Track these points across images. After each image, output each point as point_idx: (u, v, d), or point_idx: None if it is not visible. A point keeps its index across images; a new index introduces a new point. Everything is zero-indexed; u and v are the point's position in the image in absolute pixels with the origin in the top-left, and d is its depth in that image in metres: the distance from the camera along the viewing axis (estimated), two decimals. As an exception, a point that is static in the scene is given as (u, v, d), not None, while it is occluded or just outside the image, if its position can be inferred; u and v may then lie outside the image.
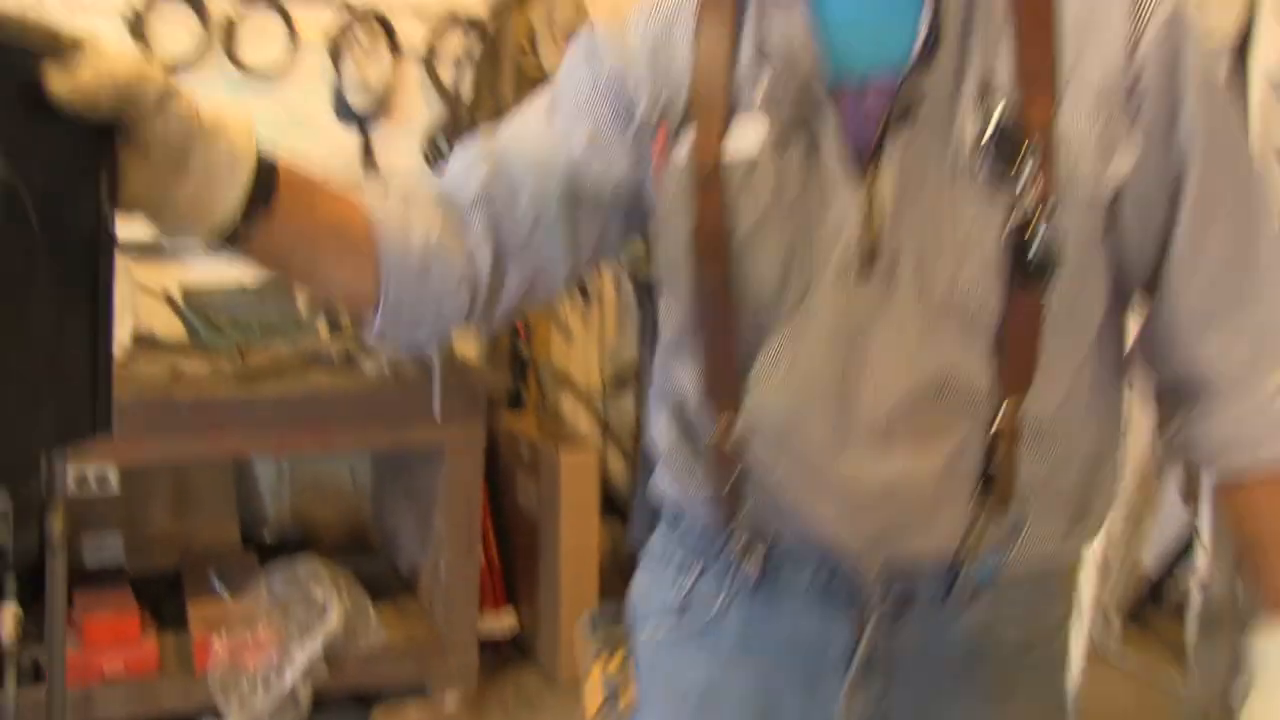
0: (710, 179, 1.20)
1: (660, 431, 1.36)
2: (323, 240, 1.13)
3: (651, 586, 1.41)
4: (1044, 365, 1.18)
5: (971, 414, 1.19)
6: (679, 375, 1.27)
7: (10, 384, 0.78)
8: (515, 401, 3.81)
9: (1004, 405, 1.18)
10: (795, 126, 1.17)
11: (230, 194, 0.98)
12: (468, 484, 3.14)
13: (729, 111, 1.21)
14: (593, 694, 1.40)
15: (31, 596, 2.48)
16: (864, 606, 1.25)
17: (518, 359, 3.80)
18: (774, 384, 1.21)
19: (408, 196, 1.22)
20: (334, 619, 2.99)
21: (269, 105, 3.55)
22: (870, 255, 1.14)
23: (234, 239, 1.02)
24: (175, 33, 3.43)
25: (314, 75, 3.60)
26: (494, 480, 3.60)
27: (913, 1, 1.15)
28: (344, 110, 3.63)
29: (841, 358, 1.16)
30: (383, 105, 3.68)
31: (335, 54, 3.59)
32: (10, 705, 2.40)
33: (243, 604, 3.03)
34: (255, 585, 3.10)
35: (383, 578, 3.49)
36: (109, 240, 0.87)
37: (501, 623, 3.54)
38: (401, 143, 3.73)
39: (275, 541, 3.67)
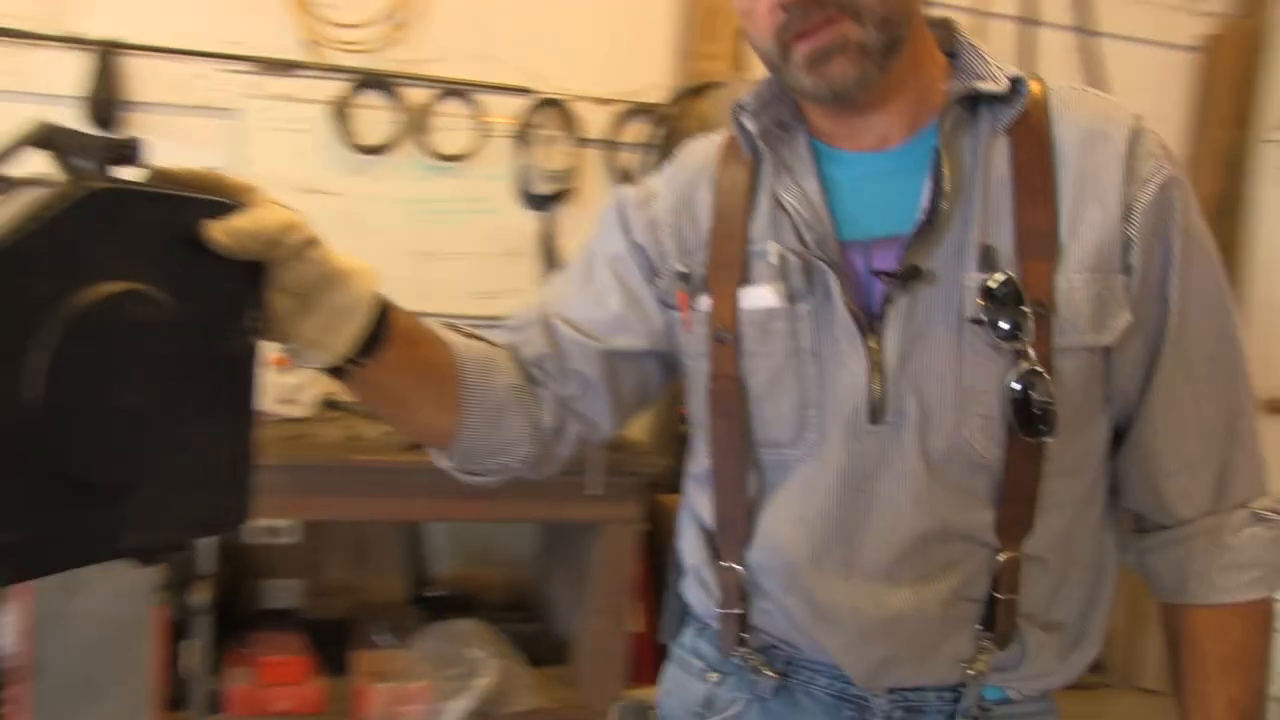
0: (726, 338, 1.33)
1: (687, 547, 1.46)
2: (417, 380, 1.30)
3: (678, 683, 1.51)
4: (1044, 508, 1.25)
5: (973, 555, 1.27)
6: (701, 503, 1.39)
7: (166, 480, 0.94)
8: (678, 481, 3.90)
9: (1006, 545, 1.26)
10: (807, 286, 1.28)
11: (347, 333, 1.14)
12: (620, 560, 3.25)
13: (744, 273, 1.33)
14: None
15: (215, 635, 2.72)
16: (873, 719, 1.34)
17: (681, 440, 3.90)
18: (786, 523, 1.32)
19: (486, 352, 1.38)
20: (488, 679, 3.12)
21: (456, 188, 3.76)
22: (878, 407, 1.24)
23: (348, 371, 1.18)
24: (374, 118, 3.68)
25: (499, 161, 3.80)
26: (657, 558, 3.69)
27: (916, 171, 1.25)
28: (527, 195, 3.82)
29: (850, 501, 1.26)
30: (564, 190, 3.84)
31: (521, 141, 3.78)
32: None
33: (403, 657, 3.19)
34: (417, 640, 3.26)
35: (539, 643, 3.59)
36: (254, 361, 1.03)
37: (652, 697, 3.62)
38: (581, 226, 3.84)
39: (440, 600, 3.84)
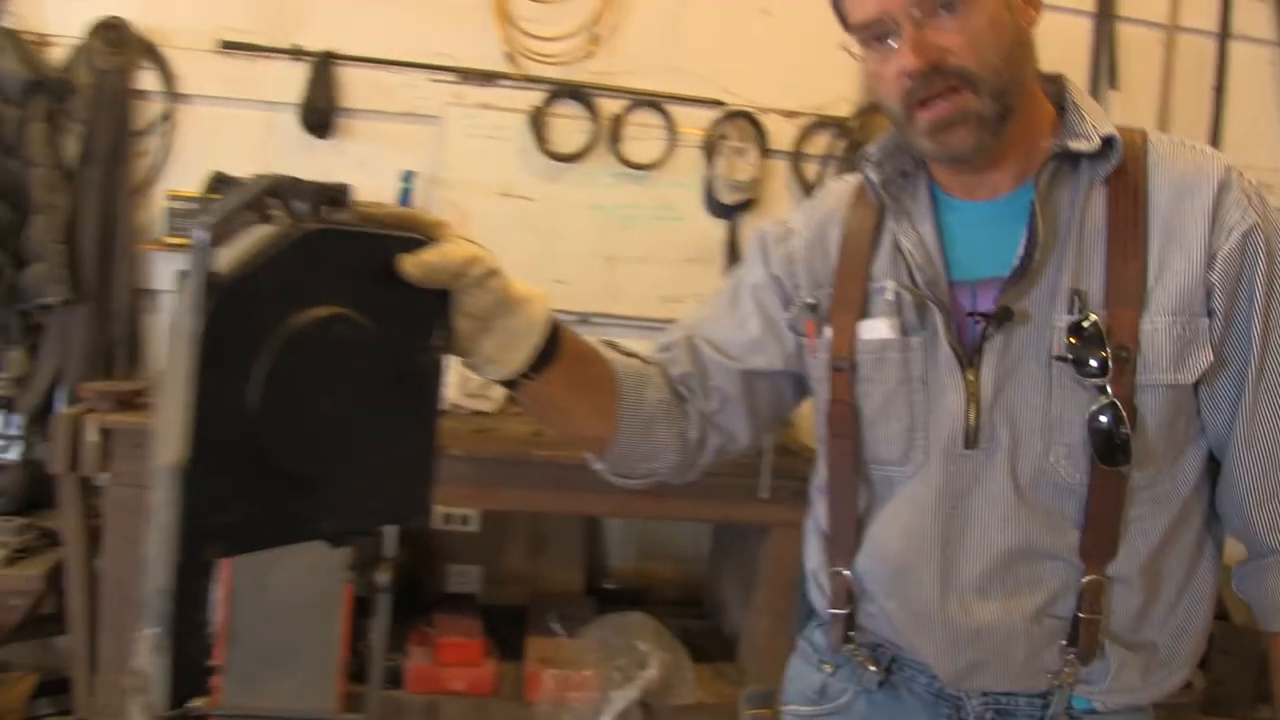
0: (843, 366, 1.47)
1: (809, 552, 1.61)
2: (582, 394, 1.43)
3: (798, 673, 1.65)
4: (1129, 534, 1.36)
5: (1059, 574, 1.38)
6: (820, 513, 1.52)
7: (359, 475, 1.08)
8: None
9: (1089, 567, 1.37)
10: (919, 321, 1.41)
11: (522, 352, 1.29)
12: (788, 562, 3.32)
13: (863, 307, 1.47)
14: None
15: (399, 615, 2.90)
16: (966, 717, 1.46)
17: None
18: (890, 534, 1.45)
19: (641, 369, 1.52)
20: (654, 672, 3.24)
21: (645, 195, 3.91)
22: (973, 433, 1.36)
23: (519, 384, 1.32)
24: (568, 127, 3.84)
25: (688, 170, 3.92)
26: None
27: (1018, 219, 1.37)
28: (713, 203, 3.92)
29: (945, 518, 1.39)
30: (749, 199, 3.93)
31: (709, 151, 3.89)
32: (376, 701, 2.80)
33: (575, 645, 3.34)
34: (589, 630, 3.40)
35: (707, 639, 3.71)
36: (439, 374, 1.16)
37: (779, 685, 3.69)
38: (765, 235, 3.95)
39: (614, 592, 3.98)
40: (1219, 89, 4.23)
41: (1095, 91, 4.14)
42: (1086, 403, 1.33)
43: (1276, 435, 1.37)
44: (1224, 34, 4.20)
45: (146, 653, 0.91)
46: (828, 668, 1.59)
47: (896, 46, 1.35)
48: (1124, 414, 1.30)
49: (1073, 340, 1.33)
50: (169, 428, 0.91)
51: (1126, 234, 1.35)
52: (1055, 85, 1.48)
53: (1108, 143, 1.37)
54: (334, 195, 1.02)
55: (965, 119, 1.34)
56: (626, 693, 3.18)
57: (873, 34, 1.37)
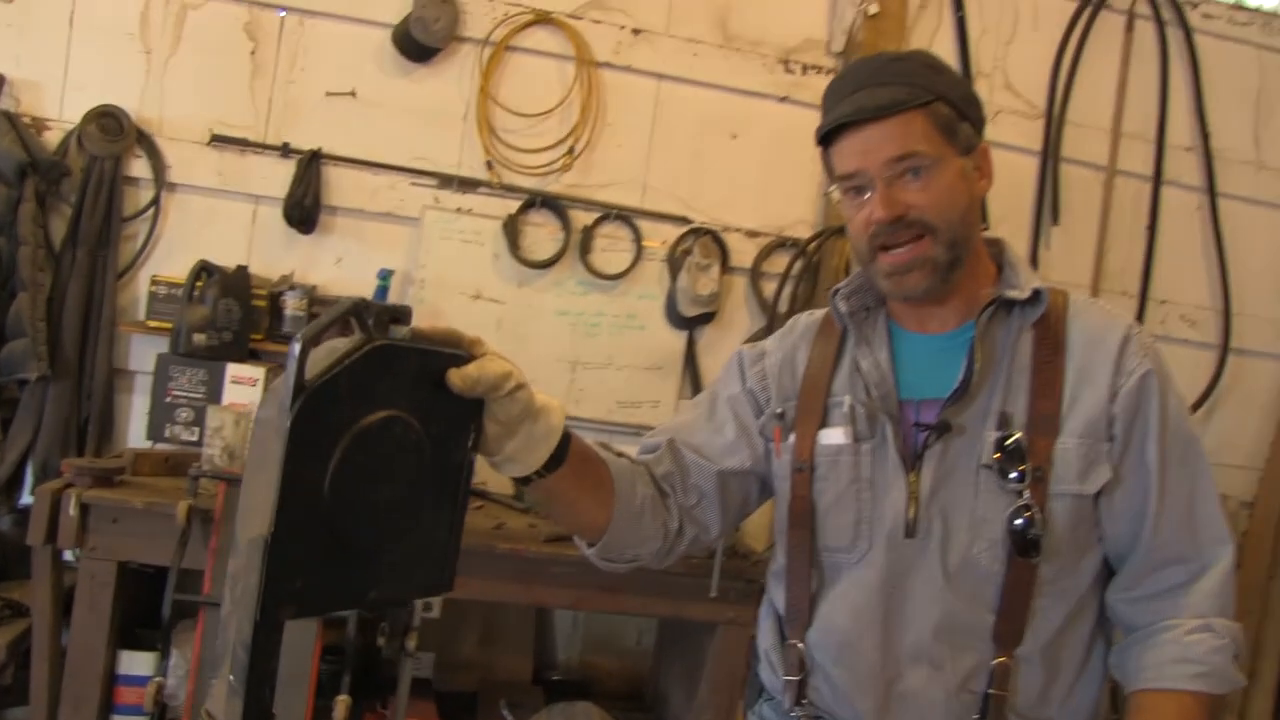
0: (803, 468, 1.72)
1: (763, 634, 1.83)
2: (584, 489, 1.66)
3: None
4: (1034, 620, 1.62)
5: (978, 650, 1.63)
6: (777, 595, 1.77)
7: (402, 552, 1.24)
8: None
9: (1000, 650, 1.62)
10: (870, 430, 1.67)
11: (540, 454, 1.50)
12: (734, 660, 3.47)
13: (823, 418, 1.73)
14: None
15: (355, 696, 3.00)
16: None
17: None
18: (838, 611, 1.69)
19: (631, 468, 1.75)
20: (599, 760, 3.36)
21: (611, 304, 4.11)
22: (912, 526, 1.63)
23: (532, 480, 1.53)
24: (542, 235, 4.04)
25: (653, 281, 4.13)
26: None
27: (960, 351, 1.65)
28: (674, 315, 4.12)
29: (886, 596, 1.65)
30: (710, 313, 4.12)
31: (674, 264, 4.09)
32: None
33: (524, 731, 3.44)
34: (537, 717, 3.49)
35: (650, 733, 3.84)
36: (470, 469, 1.34)
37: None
38: (723, 347, 4.15)
39: (561, 683, 4.10)
40: (1152, 229, 4.51)
41: (1038, 225, 4.43)
42: (1007, 505, 1.61)
43: (1170, 543, 1.65)
44: (1157, 179, 4.49)
45: (222, 696, 1.06)
46: None
47: (869, 198, 1.64)
48: (1037, 516, 1.58)
49: (999, 454, 1.61)
50: (254, 506, 1.07)
51: (1047, 372, 1.64)
52: (996, 247, 1.78)
53: (1036, 294, 1.67)
54: (396, 315, 1.20)
55: (922, 265, 1.63)
56: (572, 779, 3.29)
57: (852, 185, 1.67)
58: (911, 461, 1.66)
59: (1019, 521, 1.59)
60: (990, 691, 1.64)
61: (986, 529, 1.62)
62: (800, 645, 1.75)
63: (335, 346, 1.14)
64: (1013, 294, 1.67)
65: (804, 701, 1.76)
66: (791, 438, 1.77)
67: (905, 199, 1.62)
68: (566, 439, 1.54)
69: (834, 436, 1.72)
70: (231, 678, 1.06)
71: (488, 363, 1.34)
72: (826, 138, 1.69)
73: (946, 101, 1.66)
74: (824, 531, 1.73)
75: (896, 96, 1.63)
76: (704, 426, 1.86)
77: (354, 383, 1.14)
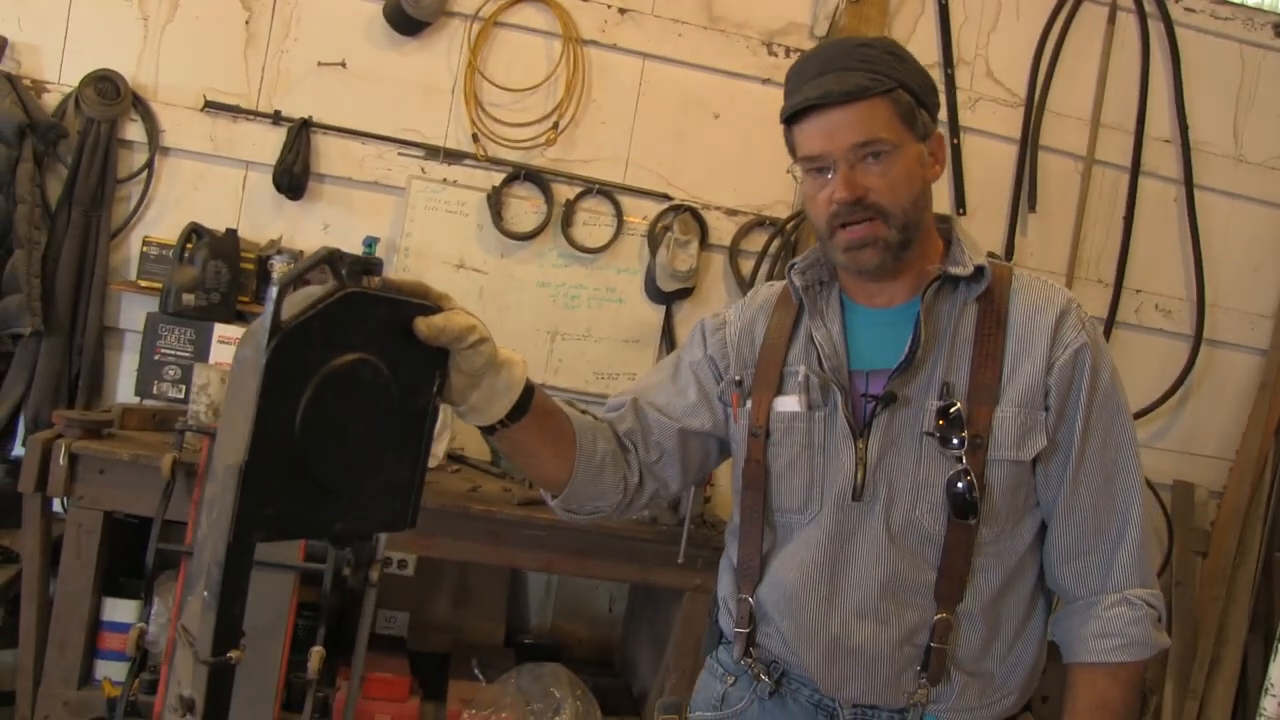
0: (758, 433, 1.82)
1: (723, 584, 1.93)
2: (546, 441, 1.76)
3: (704, 685, 1.97)
4: (974, 580, 1.72)
5: (921, 606, 1.73)
6: (732, 551, 1.82)
7: (367, 489, 1.34)
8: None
9: (941, 607, 1.72)
10: (822, 399, 1.77)
11: (502, 405, 1.60)
12: (699, 626, 3.56)
13: (779, 386, 1.82)
14: None
15: (330, 652, 3.09)
16: None
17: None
18: (788, 568, 1.79)
19: (594, 424, 1.84)
20: (566, 718, 3.45)
21: (591, 277, 4.20)
22: (859, 490, 1.72)
23: (496, 430, 1.63)
24: (524, 208, 4.13)
25: (632, 256, 4.22)
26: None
27: (908, 325, 1.74)
28: (653, 290, 4.20)
29: (833, 555, 1.75)
30: (688, 288, 4.20)
31: (653, 240, 4.18)
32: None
33: (494, 690, 3.53)
34: (508, 677, 3.60)
35: (617, 696, 3.93)
36: (434, 415, 1.43)
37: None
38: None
39: (532, 646, 4.20)
40: (1128, 219, 4.60)
41: (1016, 212, 4.50)
42: (947, 470, 1.70)
43: (1091, 510, 1.75)
44: (1135, 170, 4.58)
45: (197, 612, 1.15)
46: (730, 679, 1.92)
47: (831, 179, 1.72)
48: (975, 481, 1.68)
49: (941, 421, 1.70)
50: (231, 436, 1.16)
51: (988, 344, 1.73)
52: (945, 224, 1.87)
53: (979, 270, 1.76)
54: (369, 266, 1.29)
55: (875, 242, 1.72)
56: (540, 736, 3.39)
57: (814, 165, 1.75)
58: (860, 429, 1.75)
59: (960, 485, 1.68)
60: (932, 645, 1.74)
61: (927, 493, 1.72)
62: (750, 600, 1.85)
63: (310, 292, 1.23)
64: (956, 270, 1.76)
65: (752, 651, 1.86)
66: (748, 404, 1.86)
67: (865, 182, 1.71)
68: (530, 393, 1.63)
69: (788, 404, 1.82)
70: (206, 594, 1.15)
71: (453, 315, 1.43)
72: (791, 118, 1.77)
73: (908, 90, 1.74)
74: (777, 493, 1.83)
75: (862, 83, 1.70)
76: (668, 388, 1.95)
77: (326, 326, 1.23)
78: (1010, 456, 1.72)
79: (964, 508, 1.69)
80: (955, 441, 1.69)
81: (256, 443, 1.15)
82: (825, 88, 1.70)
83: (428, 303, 1.41)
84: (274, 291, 1.16)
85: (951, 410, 1.70)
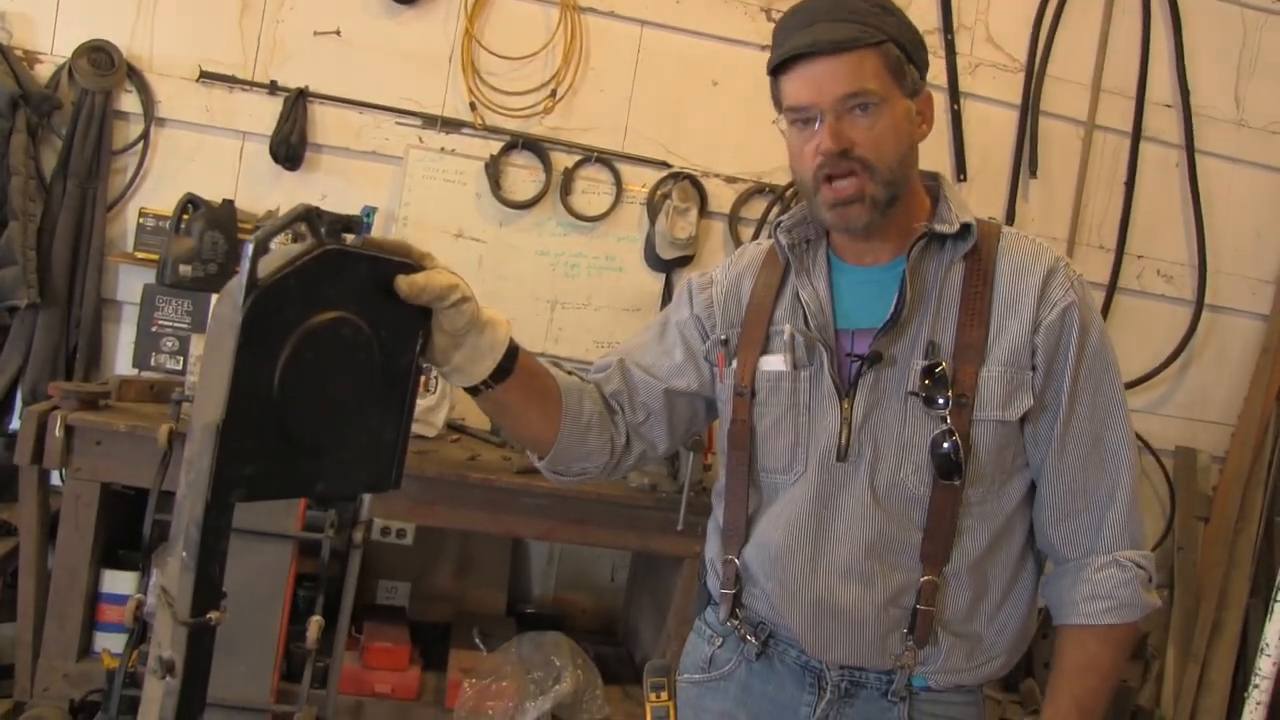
0: (744, 392, 1.80)
1: (710, 546, 1.92)
2: (531, 402, 1.75)
3: (693, 647, 1.96)
4: (961, 540, 1.70)
5: (907, 568, 1.72)
6: (719, 513, 1.80)
7: (349, 449, 1.33)
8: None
9: (928, 568, 1.70)
10: (808, 358, 1.75)
11: (485, 365, 1.59)
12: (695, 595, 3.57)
13: (765, 345, 1.80)
14: (648, 719, 1.96)
15: (330, 621, 3.09)
16: (825, 686, 1.78)
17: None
18: (773, 529, 1.78)
19: (580, 385, 1.84)
20: (567, 686, 3.45)
21: (590, 245, 4.18)
22: (845, 449, 1.70)
23: (480, 391, 1.62)
24: (523, 176, 4.11)
25: (632, 224, 4.20)
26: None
27: (894, 283, 1.71)
28: (653, 257, 4.19)
29: (819, 514, 1.73)
30: (687, 256, 4.19)
31: (653, 208, 4.16)
32: (303, 696, 2.99)
33: (495, 659, 3.54)
34: (509, 646, 3.61)
35: (618, 664, 3.95)
36: (417, 373, 1.42)
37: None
38: (698, 289, 4.20)
39: (534, 616, 4.20)
40: (1130, 184, 4.58)
41: (1016, 178, 4.48)
42: (932, 430, 1.68)
43: (1080, 470, 1.72)
44: (1136, 135, 4.55)
45: (176, 573, 1.15)
46: (718, 640, 1.90)
47: (817, 130, 1.69)
48: (960, 441, 1.65)
49: (926, 381, 1.68)
50: (208, 395, 1.15)
51: (975, 303, 1.71)
52: (935, 182, 1.84)
53: (966, 228, 1.74)
54: (349, 224, 1.28)
55: (861, 199, 1.69)
56: (540, 704, 3.38)
57: (800, 117, 1.71)
58: (846, 389, 1.73)
59: (945, 446, 1.66)
60: (918, 607, 1.72)
61: (912, 453, 1.70)
62: (736, 561, 1.84)
63: (289, 250, 1.22)
64: (942, 228, 1.74)
65: (738, 613, 1.85)
66: (734, 363, 1.84)
67: (851, 134, 1.67)
68: (514, 354, 1.62)
69: (774, 363, 1.80)
70: (184, 554, 1.15)
71: (435, 274, 1.42)
72: (777, 69, 1.73)
73: (897, 44, 1.71)
74: (763, 453, 1.81)
75: (851, 34, 1.66)
76: (654, 348, 1.94)
77: (304, 283, 1.22)
78: (996, 416, 1.69)
79: (949, 468, 1.67)
80: (940, 401, 1.67)
81: (234, 401, 1.14)
82: (813, 37, 1.67)
83: (409, 261, 1.39)
84: (250, 248, 1.15)
85: (937, 370, 1.68)
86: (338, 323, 1.27)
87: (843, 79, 1.67)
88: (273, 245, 1.21)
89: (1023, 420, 1.72)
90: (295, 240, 1.25)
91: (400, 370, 1.40)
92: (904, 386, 1.71)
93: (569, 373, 1.86)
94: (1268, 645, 2.47)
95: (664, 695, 1.97)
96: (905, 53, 1.72)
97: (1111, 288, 4.55)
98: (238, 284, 1.15)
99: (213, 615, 1.17)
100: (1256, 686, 2.48)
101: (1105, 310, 4.52)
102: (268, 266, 1.19)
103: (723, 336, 1.87)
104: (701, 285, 1.96)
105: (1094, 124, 4.53)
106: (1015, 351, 1.70)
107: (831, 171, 1.69)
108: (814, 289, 1.80)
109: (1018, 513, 1.77)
